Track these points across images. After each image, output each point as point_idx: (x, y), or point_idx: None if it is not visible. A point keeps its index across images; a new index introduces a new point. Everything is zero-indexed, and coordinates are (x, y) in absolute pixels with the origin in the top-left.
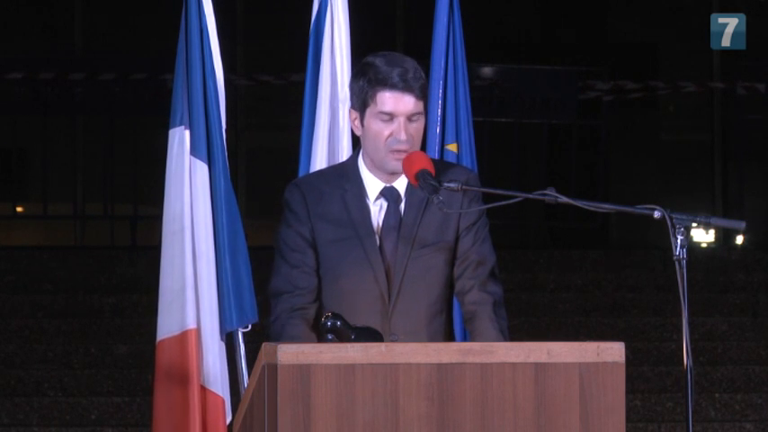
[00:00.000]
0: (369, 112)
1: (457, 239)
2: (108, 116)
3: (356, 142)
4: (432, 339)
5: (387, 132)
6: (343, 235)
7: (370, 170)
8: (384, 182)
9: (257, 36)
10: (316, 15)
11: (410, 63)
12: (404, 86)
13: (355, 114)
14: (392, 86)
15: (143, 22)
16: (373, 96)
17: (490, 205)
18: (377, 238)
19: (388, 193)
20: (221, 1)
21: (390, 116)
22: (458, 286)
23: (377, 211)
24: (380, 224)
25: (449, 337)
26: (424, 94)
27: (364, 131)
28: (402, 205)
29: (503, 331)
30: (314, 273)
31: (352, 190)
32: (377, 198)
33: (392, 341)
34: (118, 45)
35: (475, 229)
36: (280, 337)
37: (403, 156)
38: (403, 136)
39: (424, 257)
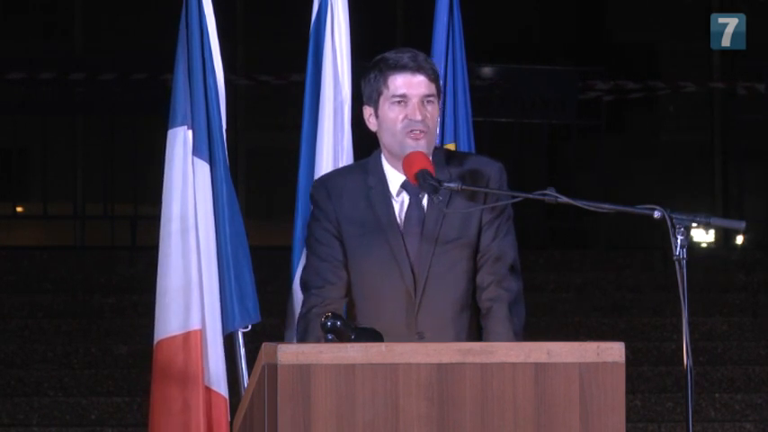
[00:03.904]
0: (383, 100)
1: (479, 234)
2: (108, 116)
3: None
4: (458, 335)
5: (402, 116)
6: (369, 234)
7: (391, 164)
8: (405, 175)
9: (257, 36)
10: (316, 15)
11: (420, 53)
12: (415, 66)
13: (369, 110)
14: (403, 68)
15: (143, 22)
16: (386, 82)
17: (490, 205)
18: (401, 234)
19: (410, 187)
20: (221, 1)
21: (404, 98)
22: (477, 280)
23: (399, 207)
24: (403, 220)
25: (475, 331)
26: (436, 78)
27: (380, 122)
28: (425, 201)
29: (517, 332)
30: (343, 266)
31: (377, 187)
32: (399, 192)
33: (418, 339)
34: (118, 45)
35: (497, 223)
36: (305, 333)
37: (420, 136)
38: (418, 116)
39: (449, 253)
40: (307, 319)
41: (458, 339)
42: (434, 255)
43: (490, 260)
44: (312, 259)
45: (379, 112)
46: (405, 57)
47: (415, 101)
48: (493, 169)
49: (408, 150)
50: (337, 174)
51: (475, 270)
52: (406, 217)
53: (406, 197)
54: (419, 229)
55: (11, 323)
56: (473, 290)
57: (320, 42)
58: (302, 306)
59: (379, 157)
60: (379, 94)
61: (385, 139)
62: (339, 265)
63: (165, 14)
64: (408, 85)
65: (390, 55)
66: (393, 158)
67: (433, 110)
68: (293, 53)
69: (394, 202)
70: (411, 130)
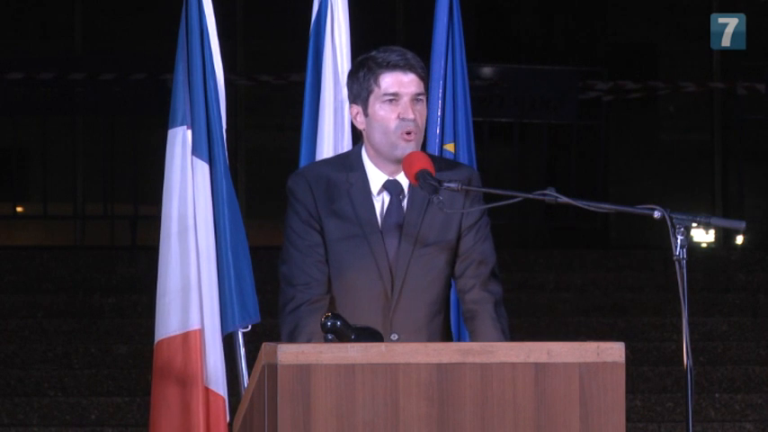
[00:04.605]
0: (372, 98)
1: (458, 238)
2: (108, 116)
3: (358, 142)
4: (431, 338)
5: (394, 115)
6: (349, 232)
7: (374, 162)
8: (387, 174)
9: (257, 36)
10: (316, 15)
11: (407, 51)
12: (405, 65)
13: (356, 109)
14: (394, 66)
15: (143, 22)
16: (376, 80)
17: (490, 205)
18: (381, 234)
19: (392, 186)
20: (221, 1)
21: (395, 96)
22: (459, 285)
23: (380, 206)
24: (383, 219)
25: (446, 336)
26: (425, 77)
27: (369, 121)
28: (405, 202)
29: (504, 331)
30: (325, 262)
31: (357, 184)
32: (380, 191)
33: (393, 340)
34: (118, 45)
35: (476, 228)
36: (296, 330)
37: (412, 138)
38: (410, 115)
39: (427, 256)
40: (297, 316)
41: (430, 342)
42: (413, 257)
43: (473, 264)
44: (294, 253)
45: (369, 110)
46: (394, 55)
47: (406, 99)
48: (473, 174)
49: (399, 152)
50: (317, 166)
51: (450, 275)
52: (385, 217)
53: (386, 196)
54: (399, 230)
55: (11, 323)
56: (446, 295)
57: (320, 42)
58: (289, 301)
59: (360, 154)
60: (369, 92)
61: (375, 138)
62: (321, 259)
63: (165, 14)
64: (399, 83)
65: (378, 54)
66: (378, 157)
67: (422, 108)
68: (293, 53)
69: (375, 201)
70: (403, 132)
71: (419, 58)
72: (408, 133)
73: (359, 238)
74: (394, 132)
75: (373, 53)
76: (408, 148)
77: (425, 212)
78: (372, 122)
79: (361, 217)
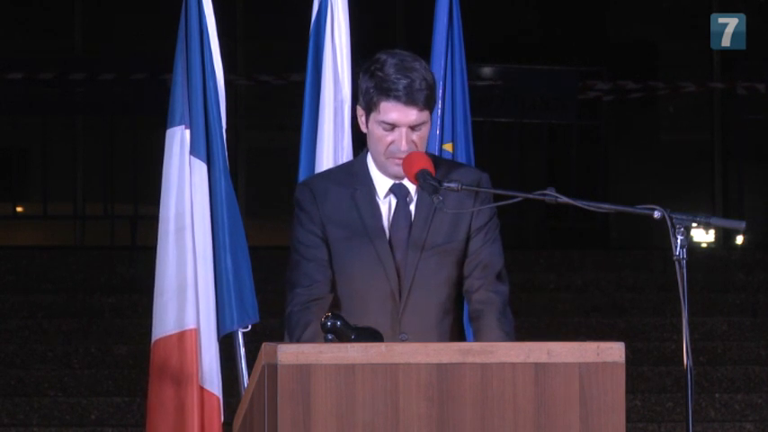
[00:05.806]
0: (372, 117)
1: (467, 239)
2: (108, 116)
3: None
4: (441, 338)
5: (388, 140)
6: (353, 235)
7: (379, 168)
8: (393, 179)
9: (257, 36)
10: (316, 15)
11: (418, 72)
12: (407, 100)
13: (362, 112)
14: (396, 98)
15: (143, 22)
16: (377, 104)
17: (490, 205)
18: (387, 236)
19: (398, 190)
20: (221, 1)
21: (392, 126)
22: (465, 285)
23: (386, 209)
24: (390, 223)
25: (458, 337)
26: (429, 103)
27: (369, 133)
28: (413, 206)
29: (508, 333)
30: (329, 265)
31: (362, 189)
32: (386, 194)
33: (402, 341)
34: (118, 45)
35: (486, 229)
36: (294, 328)
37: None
38: (404, 146)
39: (434, 258)
40: (295, 314)
41: (441, 342)
42: (421, 259)
43: (479, 266)
44: (297, 260)
45: (369, 125)
46: (401, 84)
47: (404, 129)
48: (482, 177)
49: (391, 171)
50: (322, 176)
51: (460, 276)
52: (393, 221)
53: (393, 201)
54: (406, 233)
55: (11, 323)
56: (456, 295)
57: (320, 42)
58: (288, 305)
59: (365, 160)
60: (370, 110)
61: (371, 149)
62: (325, 263)
63: (164, 14)
64: (398, 115)
65: (389, 73)
66: (379, 165)
67: (422, 133)
68: (293, 53)
69: (381, 205)
70: (394, 157)
71: (429, 79)
72: (399, 158)
73: (365, 242)
74: (384, 155)
75: (387, 67)
76: (400, 170)
77: (434, 215)
78: (370, 135)
79: (367, 222)
